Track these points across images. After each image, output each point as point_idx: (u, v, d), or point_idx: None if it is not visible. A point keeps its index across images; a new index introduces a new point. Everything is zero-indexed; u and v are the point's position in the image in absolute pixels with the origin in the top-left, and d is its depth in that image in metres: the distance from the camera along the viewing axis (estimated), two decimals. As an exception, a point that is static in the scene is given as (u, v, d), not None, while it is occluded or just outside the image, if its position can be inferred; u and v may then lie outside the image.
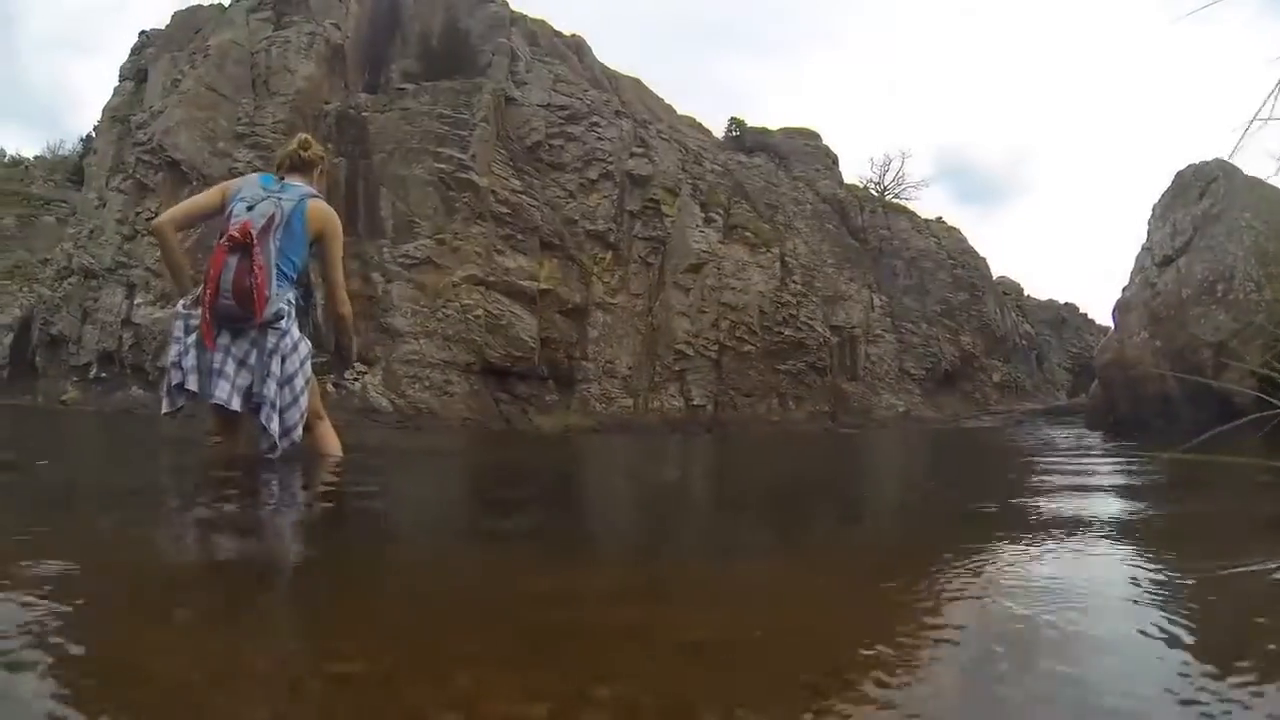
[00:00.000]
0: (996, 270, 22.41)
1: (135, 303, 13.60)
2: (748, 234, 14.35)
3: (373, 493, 2.62)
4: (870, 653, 0.85)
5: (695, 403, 13.77)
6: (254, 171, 3.61)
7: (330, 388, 10.29)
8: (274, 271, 2.67)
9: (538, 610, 1.02)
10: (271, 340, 2.70)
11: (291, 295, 2.81)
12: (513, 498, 2.73)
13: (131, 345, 13.49)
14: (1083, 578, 1.25)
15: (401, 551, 1.60)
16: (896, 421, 16.90)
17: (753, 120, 17.40)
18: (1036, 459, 5.32)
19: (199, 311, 2.68)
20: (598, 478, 4.05)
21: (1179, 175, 12.34)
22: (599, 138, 13.08)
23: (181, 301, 2.81)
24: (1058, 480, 3.32)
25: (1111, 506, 2.54)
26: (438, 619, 1.02)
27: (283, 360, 2.73)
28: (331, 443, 3.08)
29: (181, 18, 15.32)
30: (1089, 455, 5.67)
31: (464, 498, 2.78)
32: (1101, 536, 1.73)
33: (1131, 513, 2.31)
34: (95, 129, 17.15)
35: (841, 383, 16.60)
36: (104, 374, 13.97)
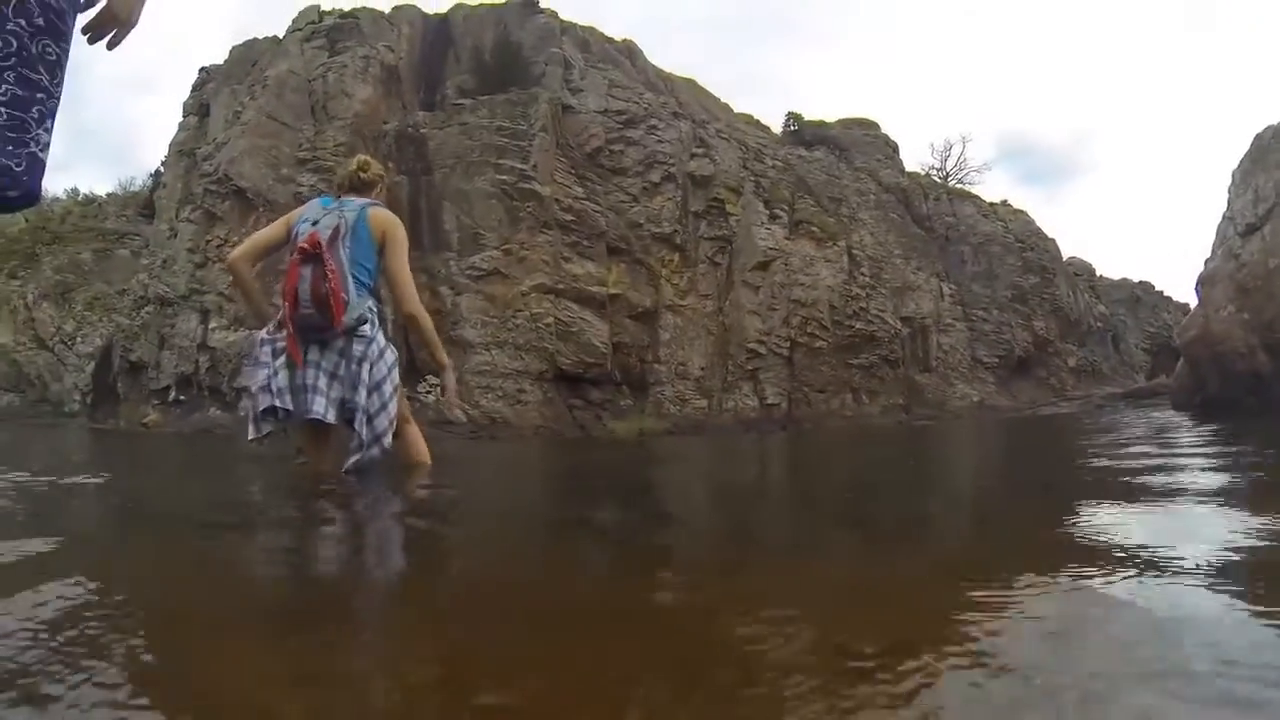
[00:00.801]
0: (1066, 251, 21.62)
1: (210, 327, 13.89)
2: (813, 228, 14.02)
3: (468, 504, 2.53)
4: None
5: (769, 401, 13.47)
6: (317, 195, 3.58)
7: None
8: (349, 278, 2.67)
9: (680, 626, 0.95)
10: (359, 348, 2.71)
11: (372, 303, 2.81)
12: (613, 506, 2.63)
13: (208, 368, 13.76)
14: None
15: (513, 568, 1.48)
16: (971, 412, 16.34)
17: (810, 113, 17.09)
18: (1127, 444, 4.98)
19: (283, 334, 2.68)
20: (691, 483, 3.85)
21: (1258, 138, 11.63)
22: (658, 140, 12.94)
23: (264, 329, 2.81)
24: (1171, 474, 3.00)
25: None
26: (580, 641, 0.92)
27: (370, 367, 2.72)
28: (421, 449, 3.04)
29: (239, 52, 15.70)
30: (1185, 441, 5.27)
31: (561, 505, 2.64)
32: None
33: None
34: (163, 164, 17.69)
35: (914, 374, 16.10)
36: (182, 397, 14.30)
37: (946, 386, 16.54)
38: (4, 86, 1.43)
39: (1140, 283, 25.73)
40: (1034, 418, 16.47)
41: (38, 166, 1.51)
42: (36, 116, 1.48)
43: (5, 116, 1.43)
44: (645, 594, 1.13)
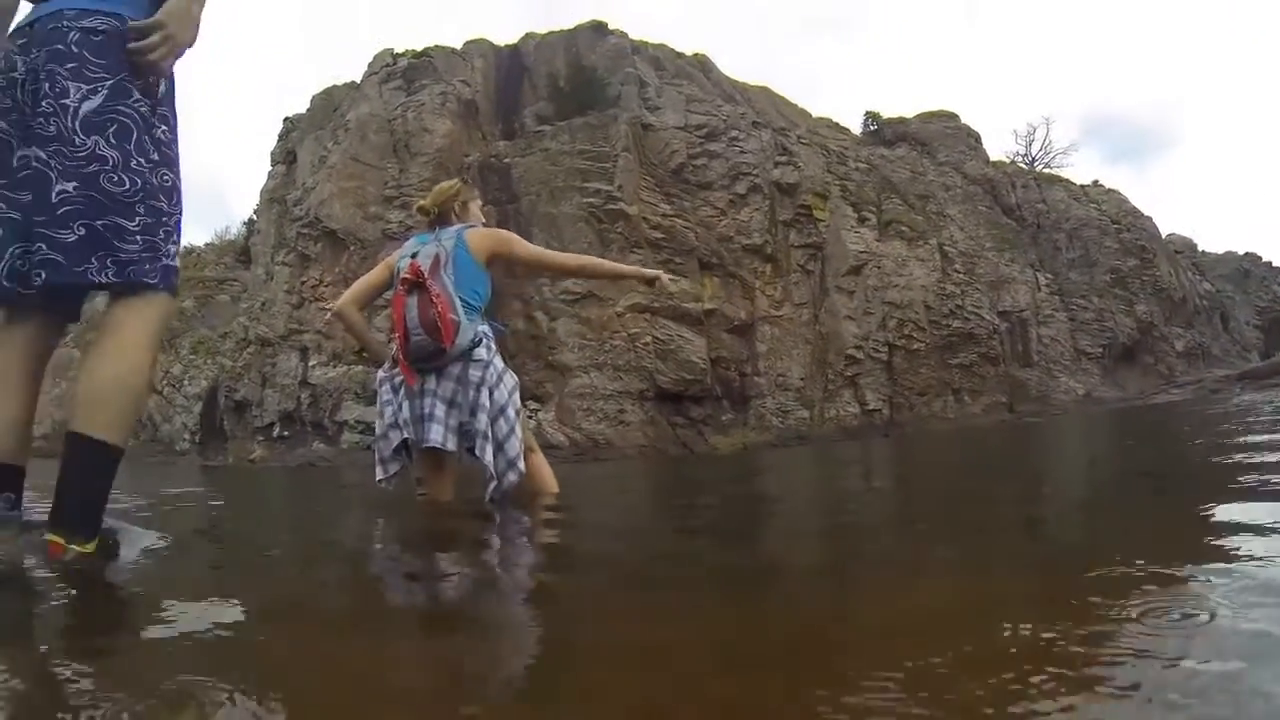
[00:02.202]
0: (1164, 228, 20.49)
1: (310, 365, 14.31)
2: (903, 228, 13.63)
3: (602, 533, 2.38)
4: None
5: (870, 407, 13.11)
6: (405, 230, 3.58)
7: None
8: (456, 301, 2.62)
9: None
10: (475, 373, 2.65)
11: (485, 327, 2.77)
12: (757, 527, 2.50)
13: (309, 404, 14.18)
14: None
15: (667, 599, 1.37)
16: (1078, 405, 15.58)
17: (887, 110, 16.69)
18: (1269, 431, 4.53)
19: (399, 367, 2.67)
20: (820, 500, 3.63)
21: None
22: (741, 151, 12.79)
23: (382, 369, 2.80)
24: None
25: None
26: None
27: (490, 392, 2.65)
28: (547, 478, 2.97)
29: (319, 100, 16.23)
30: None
31: (692, 528, 2.44)
32: None
33: None
34: (255, 211, 18.50)
35: (1015, 370, 15.46)
36: (286, 432, 14.76)
37: (1050, 380, 15.82)
38: (137, 219, 1.68)
39: (1246, 254, 24.20)
40: (1146, 407, 15.60)
41: (172, 272, 1.75)
42: (163, 236, 1.73)
43: (141, 243, 1.68)
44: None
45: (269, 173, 17.39)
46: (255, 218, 18.27)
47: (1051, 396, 15.52)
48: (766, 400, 12.24)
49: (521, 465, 2.68)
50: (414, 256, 2.75)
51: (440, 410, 2.64)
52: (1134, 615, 0.94)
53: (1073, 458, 5.27)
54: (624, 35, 13.95)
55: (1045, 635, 0.90)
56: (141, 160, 1.69)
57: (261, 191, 17.19)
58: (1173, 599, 1.02)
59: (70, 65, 1.63)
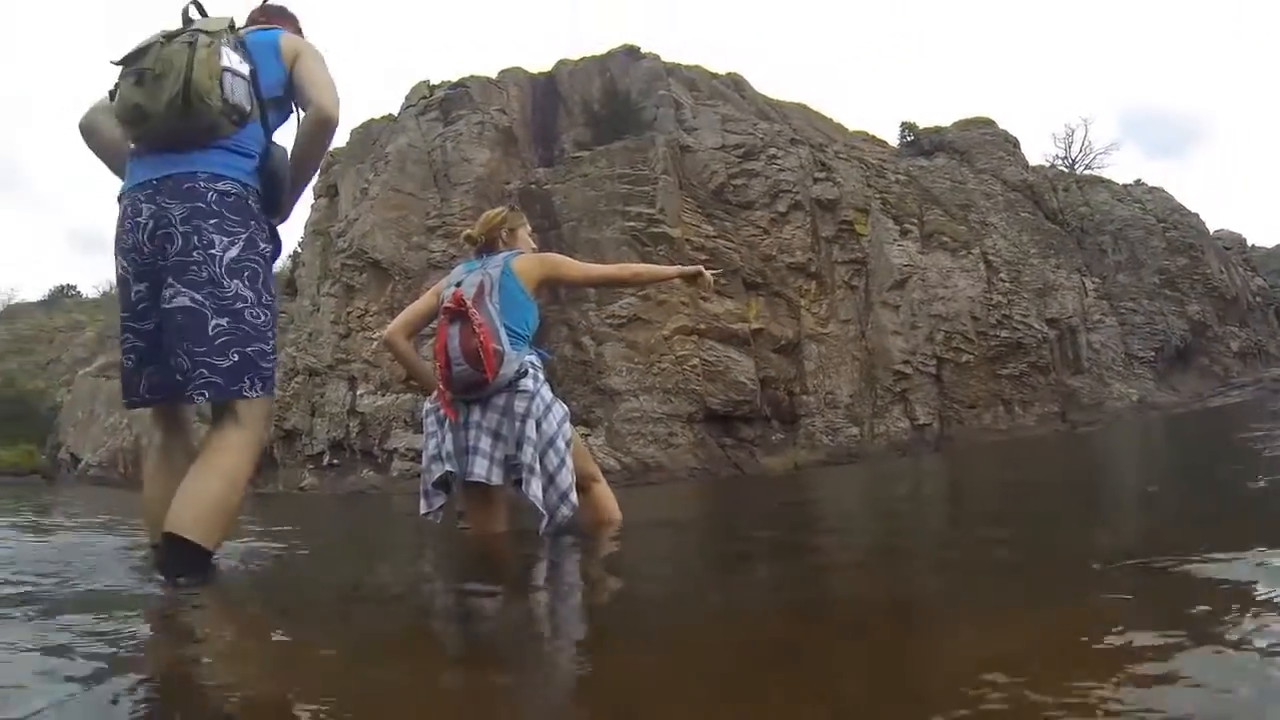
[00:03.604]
0: (1211, 224, 19.96)
1: (358, 393, 14.54)
2: (945, 239, 13.49)
3: (655, 580, 2.23)
4: None
5: (920, 422, 12.95)
6: (451, 259, 3.56)
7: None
8: (500, 330, 2.54)
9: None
10: (521, 404, 2.55)
11: (533, 357, 2.68)
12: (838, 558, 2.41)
13: (358, 432, 14.39)
14: None
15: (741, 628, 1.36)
16: (1132, 412, 15.21)
17: (923, 120, 16.55)
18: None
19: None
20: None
21: None
22: (780, 169, 12.78)
23: (428, 400, 2.74)
24: None
25: None
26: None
27: (538, 424, 2.55)
28: (609, 506, 2.87)
29: (358, 134, 16.56)
30: None
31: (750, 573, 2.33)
32: None
33: None
34: (300, 245, 18.86)
35: (1066, 379, 15.17)
36: (335, 460, 15.00)
37: (1102, 387, 15.48)
38: (269, 344, 2.07)
39: (1298, 249, 23.46)
40: (1205, 411, 15.18)
41: (271, 382, 2.09)
42: (269, 369, 2.08)
43: (273, 363, 2.10)
44: None
45: (311, 206, 17.77)
46: (300, 251, 18.66)
47: (1105, 404, 15.19)
48: (816, 419, 12.16)
49: (574, 498, 2.60)
50: (458, 285, 2.69)
51: (485, 443, 2.57)
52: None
53: (1144, 471, 5.14)
54: (657, 58, 14.05)
55: None
56: (268, 296, 2.06)
57: (305, 225, 17.56)
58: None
59: (213, 221, 1.96)
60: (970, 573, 1.83)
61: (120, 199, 2.07)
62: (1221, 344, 18.12)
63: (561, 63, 14.86)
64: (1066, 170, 18.17)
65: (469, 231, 2.93)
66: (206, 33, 1.99)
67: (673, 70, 13.86)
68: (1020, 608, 1.35)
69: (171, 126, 1.96)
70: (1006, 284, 14.30)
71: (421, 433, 2.81)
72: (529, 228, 3.05)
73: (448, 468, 2.60)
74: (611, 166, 12.80)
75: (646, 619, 1.47)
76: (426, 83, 15.65)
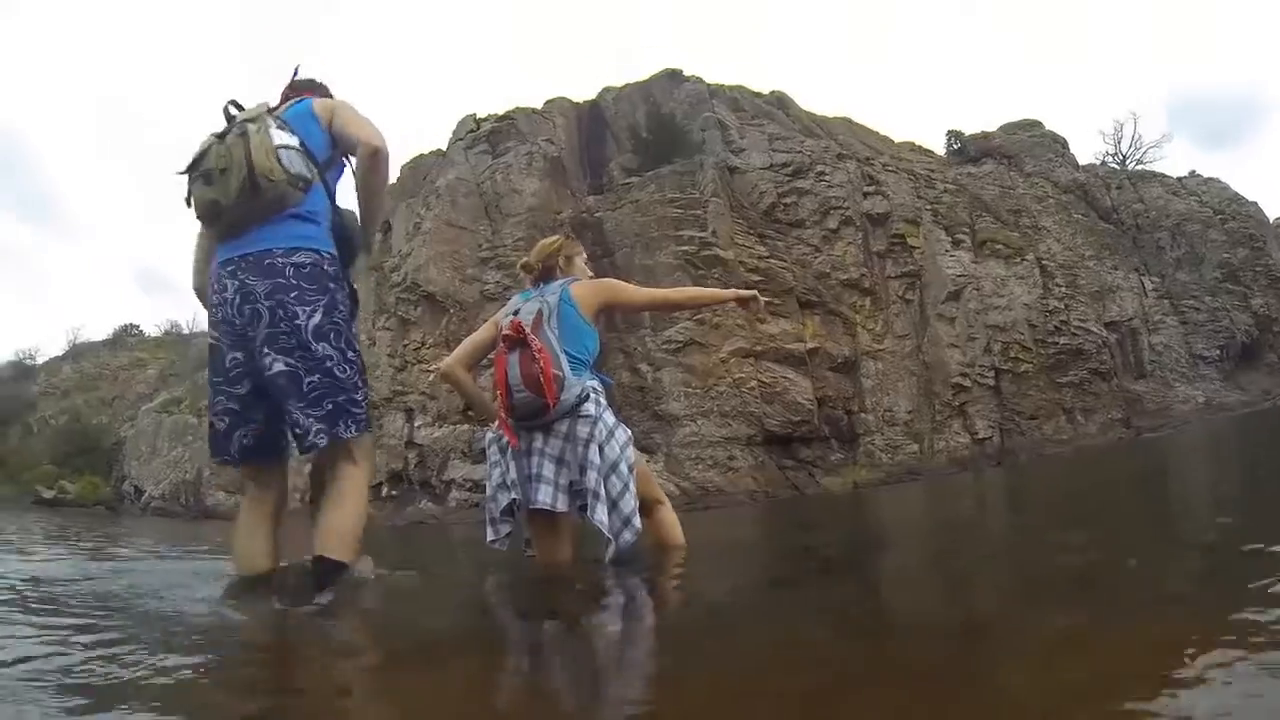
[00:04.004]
0: (1272, 210, 19.32)
1: (415, 425, 14.83)
2: (998, 246, 13.34)
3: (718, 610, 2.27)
4: None
5: (980, 435, 12.80)
6: (505, 290, 3.58)
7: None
8: (560, 356, 2.53)
9: None
10: (584, 430, 2.54)
11: (594, 381, 2.67)
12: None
13: (417, 464, 14.67)
14: None
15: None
16: (1199, 415, 14.81)
17: (969, 127, 16.36)
18: None
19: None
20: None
21: None
22: (829, 186, 12.77)
23: (490, 430, 2.73)
24: None
25: None
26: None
27: (601, 449, 2.54)
28: (674, 532, 2.86)
29: (408, 170, 16.92)
30: None
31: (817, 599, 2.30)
32: None
33: None
34: (354, 281, 19.21)
35: (1129, 384, 14.85)
36: (394, 492, 15.29)
37: (1166, 391, 15.12)
38: (359, 391, 2.33)
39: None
40: (1277, 409, 14.70)
41: (364, 421, 2.34)
42: (363, 396, 2.36)
43: (363, 407, 2.35)
44: None
45: (364, 241, 18.24)
46: (355, 287, 19.00)
47: (1170, 408, 14.83)
48: (875, 437, 12.10)
49: (637, 522, 2.57)
50: (516, 313, 2.69)
51: (549, 470, 2.57)
52: None
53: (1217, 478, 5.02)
54: (700, 80, 14.14)
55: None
56: (351, 352, 2.31)
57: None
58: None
59: (294, 294, 2.21)
60: (1042, 592, 1.82)
61: (211, 278, 2.33)
62: (1289, 337, 17.56)
63: (605, 90, 15.03)
64: (1118, 167, 17.78)
65: (525, 260, 2.95)
66: (251, 120, 2.23)
67: (716, 92, 13.95)
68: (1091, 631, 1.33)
69: (245, 210, 2.20)
70: (1063, 289, 14.07)
71: (479, 463, 2.87)
72: (584, 255, 3.06)
73: (513, 495, 2.61)
74: (661, 191, 12.92)
75: (711, 647, 1.52)
76: (474, 116, 15.95)
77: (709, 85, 14.07)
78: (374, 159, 2.37)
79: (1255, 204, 18.71)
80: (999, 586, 2.12)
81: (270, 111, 2.34)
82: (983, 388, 12.91)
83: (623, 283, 3.02)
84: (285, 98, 2.56)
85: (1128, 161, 17.83)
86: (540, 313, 2.63)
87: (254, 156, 2.16)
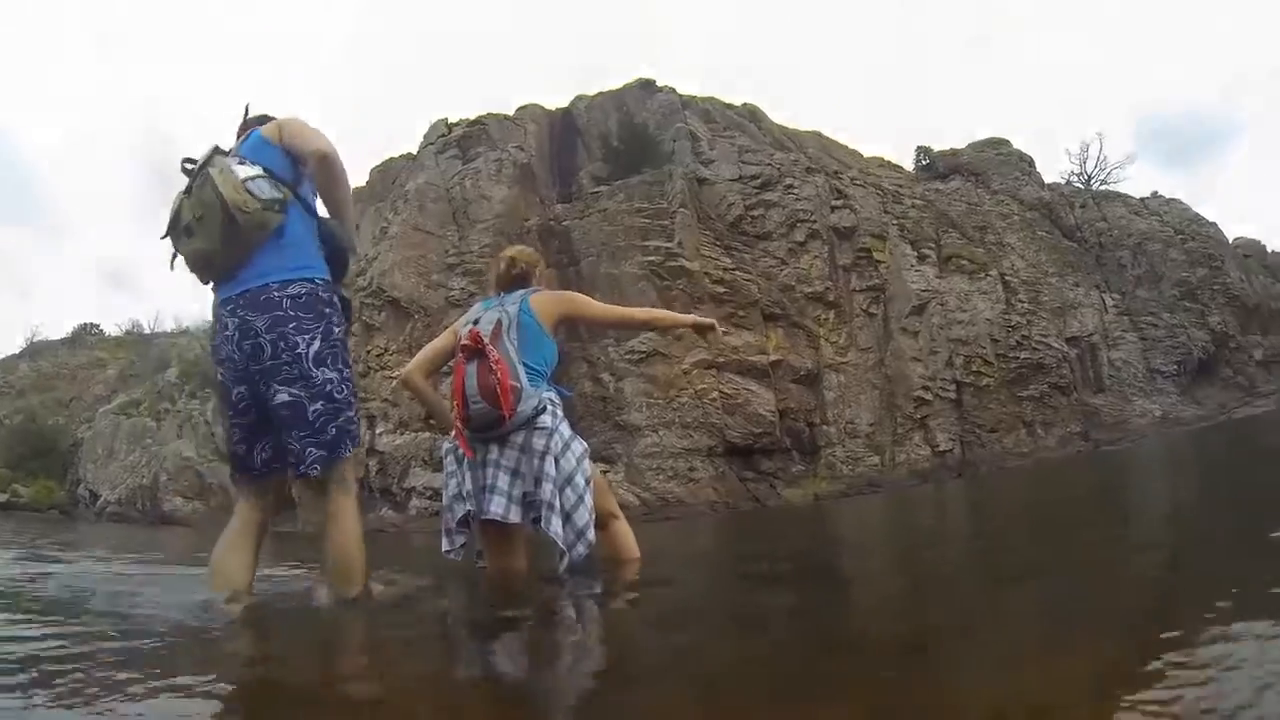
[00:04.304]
0: (1231, 232, 19.84)
1: (377, 432, 14.63)
2: (963, 262, 13.50)
3: (671, 617, 2.28)
4: None
5: (941, 448, 12.92)
6: (471, 296, 3.58)
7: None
8: (518, 368, 2.54)
9: None
10: (540, 441, 2.55)
11: (551, 394, 2.67)
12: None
13: (378, 471, 14.47)
14: None
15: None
16: (1156, 428, 15.09)
17: (938, 143, 16.59)
18: None
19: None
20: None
21: None
22: (797, 199, 12.83)
23: (447, 439, 2.74)
24: None
25: None
26: None
27: (556, 461, 2.55)
28: (627, 544, 2.86)
29: (377, 173, 16.74)
30: None
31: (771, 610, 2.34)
32: None
33: None
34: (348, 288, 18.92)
35: (1088, 397, 15.09)
36: (356, 498, 15.08)
37: (1125, 405, 15.38)
38: (353, 409, 2.44)
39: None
40: (1231, 423, 15.03)
41: (357, 435, 2.47)
42: (355, 427, 2.46)
43: (358, 422, 2.50)
44: None
45: (331, 242, 17.99)
46: (346, 295, 18.66)
47: (1128, 421, 15.08)
48: (836, 449, 12.16)
49: (591, 535, 2.58)
50: (475, 323, 2.70)
51: (503, 481, 2.57)
52: None
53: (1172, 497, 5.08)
54: (673, 90, 14.16)
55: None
56: (346, 370, 2.42)
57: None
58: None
59: (292, 325, 2.31)
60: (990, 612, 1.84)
61: (213, 317, 2.44)
62: (1244, 354, 17.96)
63: (578, 98, 15.00)
64: (1082, 187, 18.12)
65: (502, 265, 2.95)
66: (209, 164, 2.32)
67: (688, 103, 13.97)
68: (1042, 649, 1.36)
69: (233, 248, 2.29)
70: (1025, 304, 14.27)
71: (439, 471, 2.84)
72: (542, 264, 3.05)
73: (468, 506, 2.61)
74: (629, 201, 12.91)
75: (653, 661, 1.52)
76: (445, 121, 15.84)
77: (682, 96, 14.10)
78: (322, 163, 2.46)
79: (1214, 225, 19.20)
80: (947, 603, 2.13)
81: (222, 151, 2.43)
82: (944, 401, 13.04)
83: (585, 297, 3.02)
84: (239, 135, 2.64)
85: (1092, 181, 18.20)
86: (500, 323, 2.64)
87: (224, 194, 2.24)
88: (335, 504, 2.38)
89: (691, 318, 3.13)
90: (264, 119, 2.68)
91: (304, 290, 2.35)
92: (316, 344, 2.33)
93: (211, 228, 2.26)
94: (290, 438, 2.32)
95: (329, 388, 2.34)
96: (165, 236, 2.38)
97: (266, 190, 2.32)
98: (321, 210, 2.58)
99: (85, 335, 27.20)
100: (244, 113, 2.73)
